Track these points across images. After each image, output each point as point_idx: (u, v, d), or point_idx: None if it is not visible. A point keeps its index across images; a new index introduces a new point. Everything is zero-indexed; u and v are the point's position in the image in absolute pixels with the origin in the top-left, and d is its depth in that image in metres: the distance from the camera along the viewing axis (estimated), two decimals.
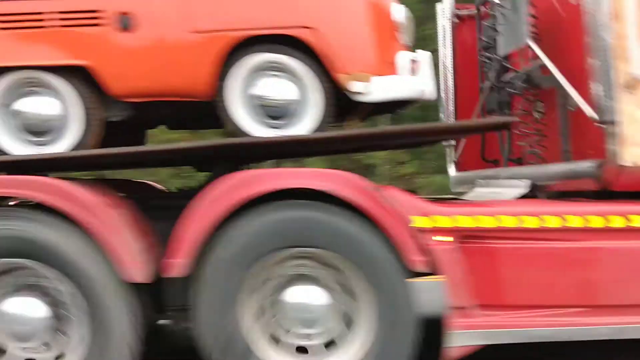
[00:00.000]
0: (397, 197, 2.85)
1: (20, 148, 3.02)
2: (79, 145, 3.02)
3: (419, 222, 2.79)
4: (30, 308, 2.75)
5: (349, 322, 2.80)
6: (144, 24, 2.98)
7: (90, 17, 2.97)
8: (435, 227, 2.79)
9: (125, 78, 2.99)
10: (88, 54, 2.95)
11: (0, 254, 2.72)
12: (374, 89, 3.03)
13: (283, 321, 2.80)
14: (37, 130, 3.03)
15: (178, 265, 2.74)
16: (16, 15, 2.97)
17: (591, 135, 3.09)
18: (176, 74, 2.99)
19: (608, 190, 3.03)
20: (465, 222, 2.82)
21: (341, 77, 3.00)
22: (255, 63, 3.00)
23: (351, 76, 3.00)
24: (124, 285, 2.74)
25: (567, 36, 3.38)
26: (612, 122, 2.95)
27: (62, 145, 3.03)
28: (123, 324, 2.75)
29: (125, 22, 2.97)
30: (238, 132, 3.05)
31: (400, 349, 2.76)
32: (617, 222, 2.86)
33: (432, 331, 2.88)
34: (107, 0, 3.01)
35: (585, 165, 3.09)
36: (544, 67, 3.43)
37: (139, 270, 2.73)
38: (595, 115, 3.01)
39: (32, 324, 2.74)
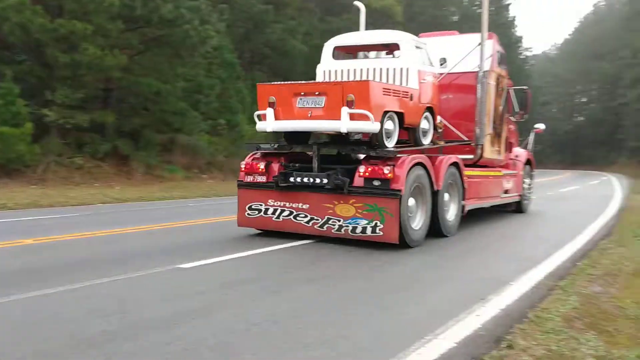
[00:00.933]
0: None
1: None
2: None
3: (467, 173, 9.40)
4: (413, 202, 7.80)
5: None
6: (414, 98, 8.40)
7: (409, 95, 7.97)
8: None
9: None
10: (403, 107, 7.84)
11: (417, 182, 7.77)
12: None
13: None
14: None
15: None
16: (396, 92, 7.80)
17: (478, 148, 9.89)
18: None
19: (476, 164, 10.02)
20: (468, 173, 9.34)
21: None
22: None
23: None
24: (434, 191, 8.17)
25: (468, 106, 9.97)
26: (480, 144, 9.76)
27: None
28: (432, 206, 8.15)
29: (412, 97, 8.08)
30: None
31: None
32: (486, 173, 10.51)
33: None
34: (412, 90, 8.05)
35: (473, 156, 9.89)
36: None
37: (439, 186, 8.21)
38: (476, 140, 9.83)
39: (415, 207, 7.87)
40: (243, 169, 8.28)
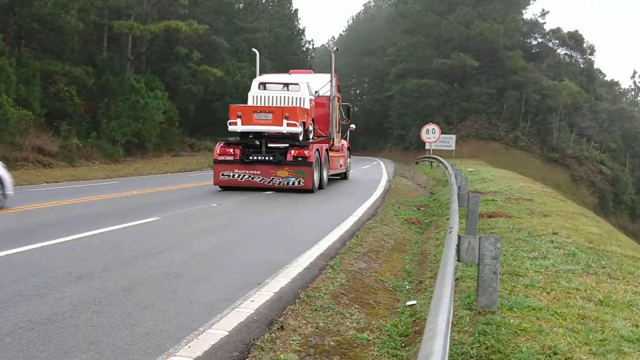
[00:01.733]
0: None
1: None
2: None
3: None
4: (314, 169, 15.29)
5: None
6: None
7: (307, 113, 15.60)
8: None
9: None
10: (305, 119, 15.45)
11: (316, 158, 15.23)
12: None
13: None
14: None
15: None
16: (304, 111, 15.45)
17: (331, 140, 17.65)
18: None
19: (330, 149, 17.31)
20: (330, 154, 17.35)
21: None
22: None
23: None
24: (320, 163, 15.70)
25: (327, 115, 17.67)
26: (332, 138, 17.59)
27: None
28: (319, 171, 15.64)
29: (308, 113, 16.06)
30: None
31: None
32: (335, 154, 18.34)
33: None
34: (308, 110, 15.72)
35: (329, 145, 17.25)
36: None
37: (322, 160, 15.99)
38: (330, 136, 17.59)
39: (315, 171, 15.37)
40: (218, 152, 14.72)
